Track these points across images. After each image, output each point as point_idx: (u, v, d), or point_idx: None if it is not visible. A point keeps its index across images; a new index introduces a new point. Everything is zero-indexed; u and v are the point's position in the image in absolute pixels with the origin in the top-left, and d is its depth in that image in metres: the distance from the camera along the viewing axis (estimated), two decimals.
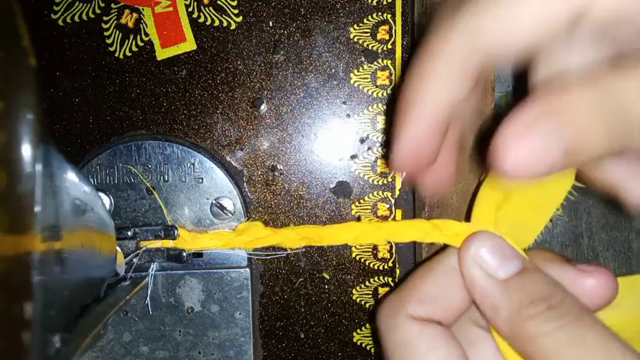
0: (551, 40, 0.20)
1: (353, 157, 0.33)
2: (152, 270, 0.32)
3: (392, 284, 0.34)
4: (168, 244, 0.32)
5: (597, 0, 0.19)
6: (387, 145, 0.29)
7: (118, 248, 0.29)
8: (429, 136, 0.22)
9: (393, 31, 0.33)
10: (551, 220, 0.36)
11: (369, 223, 0.31)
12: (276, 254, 0.33)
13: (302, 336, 0.35)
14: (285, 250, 0.32)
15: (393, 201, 0.34)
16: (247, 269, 0.33)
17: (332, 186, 0.34)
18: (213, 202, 0.33)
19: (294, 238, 0.31)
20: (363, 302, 0.34)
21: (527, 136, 0.18)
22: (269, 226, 0.33)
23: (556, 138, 0.18)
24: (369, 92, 0.33)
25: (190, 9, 0.33)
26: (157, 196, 0.32)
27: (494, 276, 0.23)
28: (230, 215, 0.33)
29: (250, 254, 0.33)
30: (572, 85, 0.18)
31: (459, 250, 0.25)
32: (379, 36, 0.33)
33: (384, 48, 0.33)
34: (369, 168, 0.34)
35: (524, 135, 0.18)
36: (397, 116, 0.23)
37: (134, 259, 0.31)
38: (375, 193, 0.34)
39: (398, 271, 0.34)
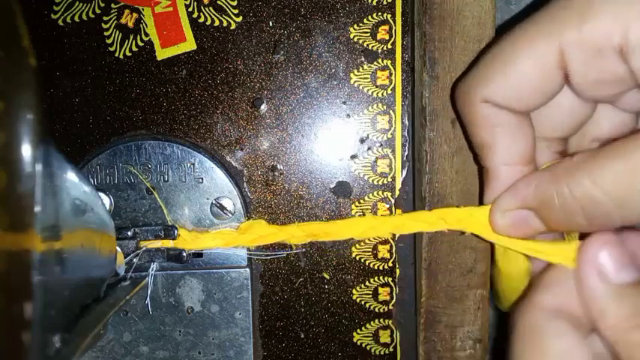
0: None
1: (353, 157, 0.33)
2: (152, 270, 0.32)
3: (392, 284, 0.34)
4: (168, 244, 0.32)
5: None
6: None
7: (118, 248, 0.29)
8: (510, 183, 0.26)
9: (393, 31, 0.33)
10: None
11: (374, 218, 0.32)
12: (276, 254, 0.33)
13: (302, 336, 0.35)
14: (285, 250, 0.32)
15: (393, 201, 0.34)
16: (247, 269, 0.33)
17: (332, 186, 0.34)
18: (213, 202, 0.33)
19: (299, 235, 0.31)
20: (363, 302, 0.34)
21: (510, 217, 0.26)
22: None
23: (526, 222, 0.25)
24: (369, 92, 0.33)
25: (190, 9, 0.33)
26: (156, 196, 0.32)
27: (609, 281, 0.23)
28: (230, 215, 0.33)
29: (250, 254, 0.33)
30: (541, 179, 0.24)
31: (579, 249, 0.24)
32: (379, 36, 0.33)
33: (384, 48, 0.33)
34: (369, 168, 0.34)
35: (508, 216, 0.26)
36: (485, 183, 0.28)
37: (134, 259, 0.31)
38: (375, 193, 0.34)
39: (398, 271, 0.34)
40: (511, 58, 0.24)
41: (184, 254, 0.31)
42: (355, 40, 0.33)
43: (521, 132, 0.26)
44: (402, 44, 0.33)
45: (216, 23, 0.33)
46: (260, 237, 0.31)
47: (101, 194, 0.31)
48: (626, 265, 0.24)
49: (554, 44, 0.22)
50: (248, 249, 0.33)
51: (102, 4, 0.32)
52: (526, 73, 0.24)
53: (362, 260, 0.34)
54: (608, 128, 0.27)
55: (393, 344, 0.35)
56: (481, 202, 0.29)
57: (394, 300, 0.34)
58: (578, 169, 0.22)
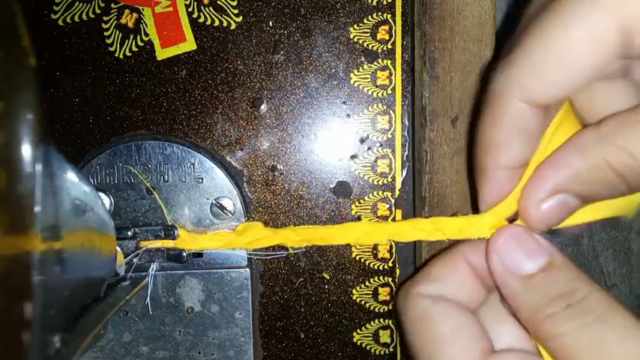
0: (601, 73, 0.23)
1: (353, 157, 0.33)
2: (152, 270, 0.32)
3: (392, 284, 0.34)
4: (168, 244, 0.32)
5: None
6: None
7: (118, 248, 0.29)
8: (504, 191, 0.26)
9: (393, 31, 0.33)
10: None
11: (371, 223, 0.31)
12: (276, 254, 0.33)
13: (302, 336, 0.35)
14: (286, 250, 0.32)
15: (393, 201, 0.34)
16: (247, 269, 0.33)
17: (332, 186, 0.34)
18: (213, 202, 0.33)
19: (294, 239, 0.31)
20: (363, 302, 0.34)
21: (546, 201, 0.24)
22: (269, 227, 0.33)
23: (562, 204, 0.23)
24: (369, 92, 0.33)
25: (190, 9, 0.33)
26: (156, 196, 0.32)
27: (516, 273, 0.23)
28: (230, 215, 0.33)
29: (250, 254, 0.33)
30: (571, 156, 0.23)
31: (487, 244, 0.25)
32: (379, 36, 0.33)
33: (384, 48, 0.33)
34: (369, 168, 0.34)
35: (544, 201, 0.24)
36: (476, 179, 0.27)
37: (134, 259, 0.31)
38: (375, 193, 0.34)
39: (398, 271, 0.34)
40: (560, 32, 0.22)
41: (184, 254, 0.31)
42: (355, 40, 0.33)
43: (534, 137, 0.25)
44: (402, 44, 0.33)
45: (216, 23, 0.33)
46: (256, 240, 0.31)
47: (101, 194, 0.31)
48: (534, 252, 0.23)
49: (615, 18, 0.21)
50: (247, 249, 0.33)
51: (102, 4, 0.32)
52: (575, 49, 0.22)
53: (362, 260, 0.34)
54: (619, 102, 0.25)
55: (393, 344, 0.35)
56: (475, 207, 0.28)
57: (394, 300, 0.34)
58: (614, 135, 0.21)
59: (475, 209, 0.28)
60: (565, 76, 0.23)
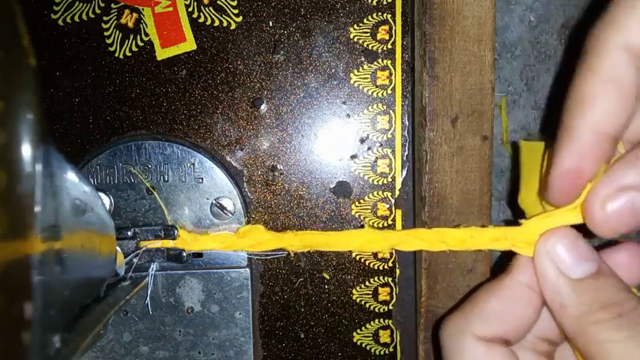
0: None
1: (353, 157, 0.33)
2: (152, 270, 0.32)
3: (392, 284, 0.34)
4: (169, 244, 0.32)
5: None
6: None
7: (118, 248, 0.29)
8: (586, 163, 0.22)
9: (393, 31, 0.33)
10: None
11: (374, 232, 0.31)
12: (276, 254, 0.33)
13: (302, 336, 0.34)
14: (285, 250, 0.32)
15: (393, 201, 0.34)
16: (247, 269, 0.33)
17: (332, 186, 0.34)
18: (213, 202, 0.33)
19: (296, 243, 0.31)
20: (363, 302, 0.34)
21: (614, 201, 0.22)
22: (269, 227, 0.33)
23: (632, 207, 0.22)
24: (369, 92, 0.33)
25: (190, 9, 0.33)
26: (157, 196, 0.32)
27: (567, 274, 0.23)
28: (230, 215, 0.33)
29: (250, 254, 0.33)
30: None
31: (537, 243, 0.24)
32: (379, 36, 0.33)
33: (384, 48, 0.33)
34: (369, 168, 0.34)
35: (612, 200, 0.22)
36: (557, 142, 0.23)
37: (134, 259, 0.31)
38: (375, 193, 0.34)
39: (398, 271, 0.34)
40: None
41: (184, 254, 0.31)
42: (355, 40, 0.33)
43: (630, 100, 0.22)
44: (402, 44, 0.33)
45: (216, 23, 0.33)
46: (258, 243, 0.31)
47: (101, 194, 0.31)
48: (585, 257, 0.23)
49: None
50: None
51: (102, 4, 0.32)
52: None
53: (362, 260, 0.34)
54: None
55: (393, 344, 0.35)
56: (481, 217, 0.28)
57: (394, 300, 0.34)
58: None
59: (477, 219, 0.28)
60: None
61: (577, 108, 0.22)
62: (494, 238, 0.28)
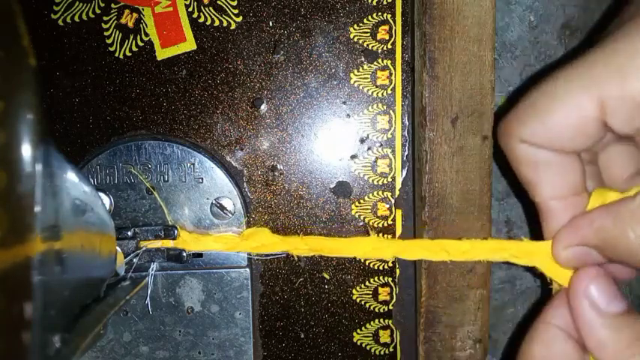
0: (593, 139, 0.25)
1: (353, 157, 0.33)
2: (152, 270, 0.32)
3: (392, 284, 0.34)
4: (169, 244, 0.32)
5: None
6: None
7: (118, 248, 0.29)
8: (565, 215, 0.27)
9: (393, 31, 0.33)
10: None
11: (379, 240, 0.32)
12: (276, 254, 0.33)
13: (302, 336, 0.34)
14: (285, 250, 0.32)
15: (393, 201, 0.34)
16: (247, 269, 0.33)
17: (332, 186, 0.34)
18: (213, 202, 0.33)
19: (301, 247, 0.31)
20: (363, 302, 0.34)
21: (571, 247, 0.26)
22: (270, 227, 0.33)
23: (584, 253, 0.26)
24: (369, 92, 0.33)
25: (190, 9, 0.33)
26: (157, 196, 0.32)
27: (604, 312, 0.24)
28: (230, 215, 0.33)
29: (250, 254, 0.33)
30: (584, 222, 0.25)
31: (570, 284, 0.26)
32: (379, 36, 0.33)
33: (384, 48, 0.33)
34: (369, 168, 0.34)
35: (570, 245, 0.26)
36: (540, 220, 0.28)
37: (134, 259, 0.31)
38: (375, 193, 0.34)
39: (398, 271, 0.34)
40: (549, 107, 0.24)
41: (184, 254, 0.31)
42: (355, 40, 0.33)
43: (566, 167, 0.26)
44: (402, 44, 0.33)
45: (216, 23, 0.33)
46: (262, 245, 0.32)
47: (101, 194, 0.31)
48: (616, 296, 0.25)
49: (594, 97, 0.23)
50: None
51: (102, 4, 0.32)
52: (564, 123, 0.24)
53: (362, 260, 0.34)
54: None
55: (393, 344, 0.35)
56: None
57: (394, 300, 0.34)
58: None
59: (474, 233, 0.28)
60: (558, 142, 0.25)
61: (531, 192, 0.27)
62: (493, 250, 0.29)
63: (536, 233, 0.28)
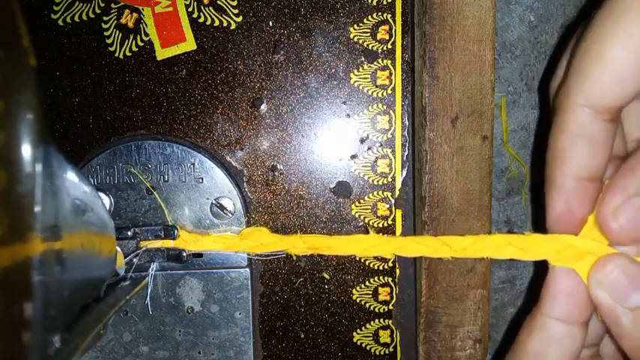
0: None
1: (353, 157, 0.33)
2: (152, 270, 0.32)
3: (392, 284, 0.34)
4: (169, 244, 0.32)
5: None
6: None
7: (118, 248, 0.29)
8: (574, 205, 0.25)
9: (393, 31, 0.33)
10: None
11: (378, 237, 0.31)
12: (276, 254, 0.33)
13: (302, 336, 0.35)
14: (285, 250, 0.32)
15: (393, 201, 0.34)
16: (247, 269, 0.33)
17: (332, 186, 0.34)
18: (213, 202, 0.33)
19: (301, 246, 0.31)
20: (363, 302, 0.34)
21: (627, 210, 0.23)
22: (270, 227, 0.33)
23: None
24: (369, 92, 0.33)
25: (190, 9, 0.33)
26: (157, 196, 0.32)
27: (623, 304, 0.23)
28: (230, 215, 0.33)
29: (250, 254, 0.33)
30: None
31: (591, 269, 0.24)
32: (379, 36, 0.33)
33: (384, 48, 0.33)
34: (369, 168, 0.34)
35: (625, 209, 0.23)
36: (545, 191, 0.26)
37: (134, 259, 0.31)
38: (375, 193, 0.34)
39: (398, 271, 0.34)
40: (604, 46, 0.23)
41: (184, 254, 0.31)
42: (355, 40, 0.33)
43: (601, 147, 0.25)
44: (402, 44, 0.33)
45: (216, 23, 0.33)
46: (261, 244, 0.31)
47: (101, 194, 0.31)
48: (638, 286, 0.23)
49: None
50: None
51: (102, 4, 0.32)
52: (622, 56, 0.22)
53: (362, 260, 0.34)
54: None
55: (393, 344, 0.35)
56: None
57: (394, 300, 0.34)
58: None
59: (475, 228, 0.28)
60: (617, 84, 0.23)
61: (555, 162, 0.25)
62: (498, 245, 0.28)
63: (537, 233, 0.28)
